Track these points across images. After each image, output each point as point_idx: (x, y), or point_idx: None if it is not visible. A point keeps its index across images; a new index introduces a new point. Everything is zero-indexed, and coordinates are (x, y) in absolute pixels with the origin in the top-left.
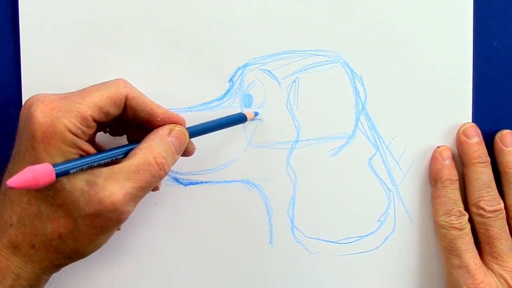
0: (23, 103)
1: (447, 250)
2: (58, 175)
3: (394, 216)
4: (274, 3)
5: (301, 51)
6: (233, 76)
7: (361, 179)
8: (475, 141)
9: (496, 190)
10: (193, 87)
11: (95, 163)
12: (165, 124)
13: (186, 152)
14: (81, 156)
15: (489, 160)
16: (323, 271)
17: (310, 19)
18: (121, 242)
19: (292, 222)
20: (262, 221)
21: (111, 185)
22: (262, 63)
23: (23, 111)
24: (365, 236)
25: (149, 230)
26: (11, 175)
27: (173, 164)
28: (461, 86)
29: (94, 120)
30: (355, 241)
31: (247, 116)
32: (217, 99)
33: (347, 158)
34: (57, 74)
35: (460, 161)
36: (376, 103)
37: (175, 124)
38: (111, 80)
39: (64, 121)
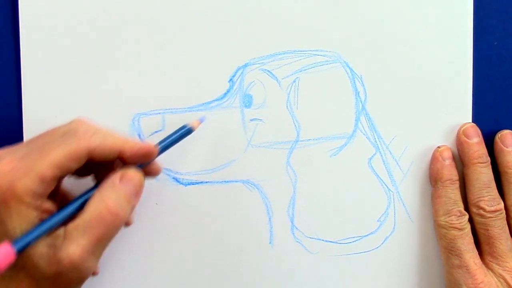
0: (23, 103)
1: (447, 250)
2: (19, 251)
3: (394, 216)
4: (274, 3)
5: (301, 51)
6: (233, 76)
7: (361, 179)
8: (475, 141)
9: (496, 190)
10: (193, 87)
11: (54, 226)
12: (136, 159)
13: (153, 173)
14: (41, 221)
15: (489, 160)
16: (323, 271)
17: (310, 19)
18: (121, 242)
19: (292, 222)
20: (262, 221)
21: (68, 244)
22: (262, 63)
23: None
24: (365, 236)
25: (149, 230)
26: None
27: (133, 208)
28: (461, 86)
29: (55, 178)
30: (355, 241)
31: (194, 124)
32: (217, 99)
33: (347, 158)
34: (57, 74)
35: (460, 161)
36: (376, 103)
37: (127, 168)
38: (71, 129)
39: (23, 183)
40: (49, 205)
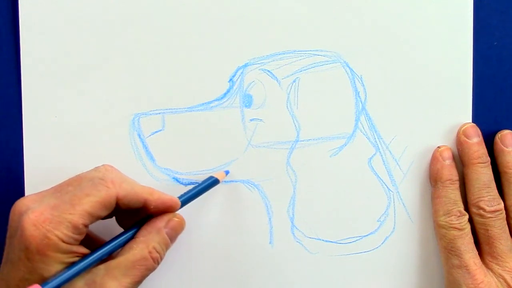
0: (23, 103)
1: (447, 250)
2: None
3: (394, 216)
4: (274, 3)
5: (301, 51)
6: (233, 76)
7: (361, 179)
8: (475, 141)
9: (496, 190)
10: (193, 87)
11: (87, 267)
12: (159, 211)
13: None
14: (79, 260)
15: (489, 160)
16: (323, 271)
17: (310, 19)
18: None
19: (292, 222)
20: (262, 221)
21: (109, 282)
22: (262, 63)
23: (13, 217)
24: (365, 236)
25: None
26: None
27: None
28: (461, 86)
29: (86, 226)
30: (355, 241)
31: (219, 177)
32: (217, 99)
33: (347, 158)
34: (57, 74)
35: (460, 161)
36: (376, 103)
37: (173, 214)
38: (99, 177)
39: (56, 233)
40: (83, 249)
